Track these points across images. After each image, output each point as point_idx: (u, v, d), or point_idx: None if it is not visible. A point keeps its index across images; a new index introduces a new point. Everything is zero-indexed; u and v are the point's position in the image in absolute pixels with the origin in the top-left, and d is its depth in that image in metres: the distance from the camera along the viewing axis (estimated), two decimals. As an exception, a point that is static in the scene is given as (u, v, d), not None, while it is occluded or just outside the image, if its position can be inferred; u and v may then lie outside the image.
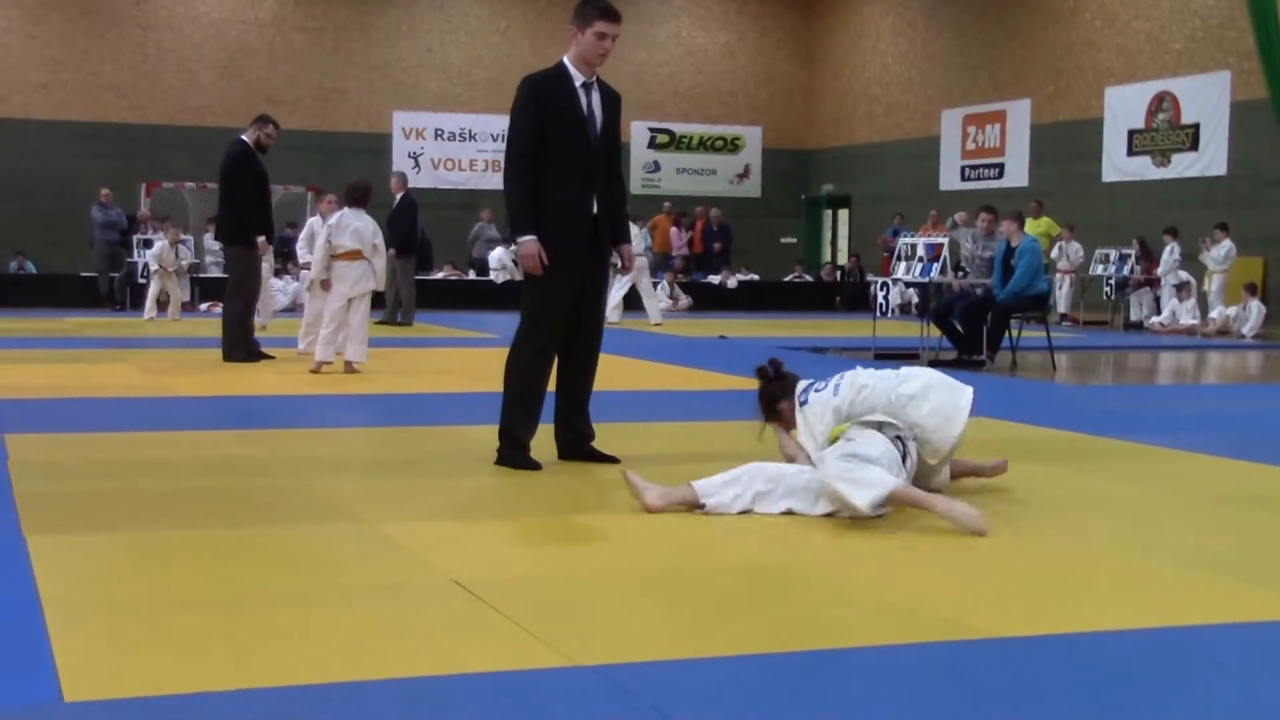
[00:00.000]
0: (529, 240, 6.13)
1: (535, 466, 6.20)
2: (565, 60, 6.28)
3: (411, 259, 17.97)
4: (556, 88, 6.19)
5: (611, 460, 6.33)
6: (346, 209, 10.98)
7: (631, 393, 9.67)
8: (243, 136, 11.79)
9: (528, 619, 3.65)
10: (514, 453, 6.25)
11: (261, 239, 11.68)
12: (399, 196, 17.79)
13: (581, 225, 6.24)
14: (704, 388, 10.47)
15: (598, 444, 6.47)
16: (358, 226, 10.84)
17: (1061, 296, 22.29)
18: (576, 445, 6.43)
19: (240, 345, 11.56)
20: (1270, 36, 19.03)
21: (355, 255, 10.85)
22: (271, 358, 11.72)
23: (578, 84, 6.21)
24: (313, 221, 12.17)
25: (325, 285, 10.92)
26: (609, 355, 12.95)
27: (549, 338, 6.31)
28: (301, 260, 13.06)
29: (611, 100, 6.36)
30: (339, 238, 10.85)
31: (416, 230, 18.33)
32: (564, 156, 6.17)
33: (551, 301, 6.25)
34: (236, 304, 11.68)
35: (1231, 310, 19.36)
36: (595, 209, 6.28)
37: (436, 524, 4.98)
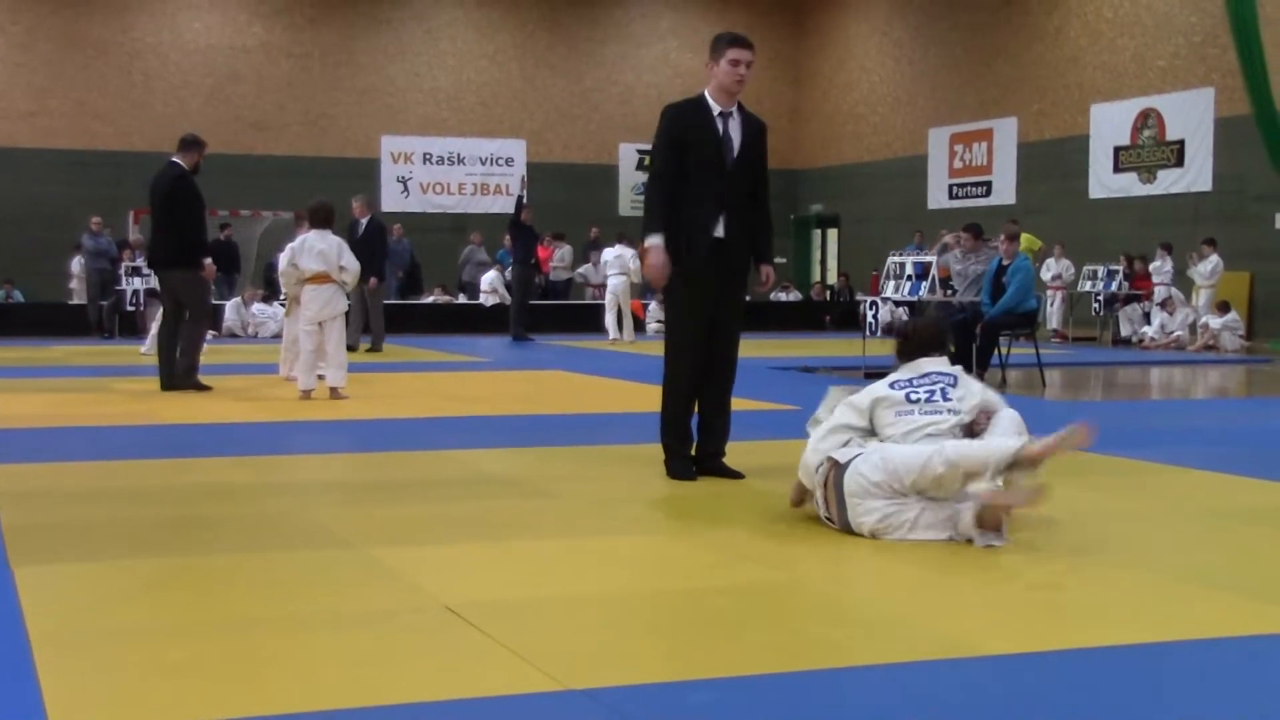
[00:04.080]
0: (656, 245, 6.42)
1: (691, 477, 6.48)
2: (705, 91, 6.57)
3: (383, 285, 17.62)
4: (693, 113, 6.53)
5: (736, 476, 6.51)
6: (311, 232, 10.87)
7: (621, 415, 9.66)
8: (176, 160, 11.37)
9: (519, 643, 3.64)
10: (672, 463, 6.59)
11: (209, 261, 11.35)
12: (364, 222, 16.89)
13: (701, 245, 6.48)
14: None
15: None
16: (322, 249, 10.71)
17: (1054, 313, 22.36)
18: (703, 461, 6.66)
19: (195, 371, 11.31)
20: (1252, 52, 19.14)
21: (323, 279, 10.74)
22: (208, 388, 11.31)
23: (715, 112, 6.49)
24: (292, 247, 12.11)
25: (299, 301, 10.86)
26: (599, 377, 13.01)
27: (688, 357, 6.58)
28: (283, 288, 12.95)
29: (753, 128, 6.60)
30: (304, 261, 10.75)
31: (387, 255, 18.03)
32: (696, 178, 6.47)
33: (683, 319, 6.57)
34: (201, 328, 11.46)
35: (1218, 321, 19.44)
36: (722, 232, 6.50)
37: (427, 549, 4.96)
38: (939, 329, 5.64)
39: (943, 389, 5.28)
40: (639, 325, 22.07)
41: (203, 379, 11.35)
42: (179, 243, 11.20)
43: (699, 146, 6.48)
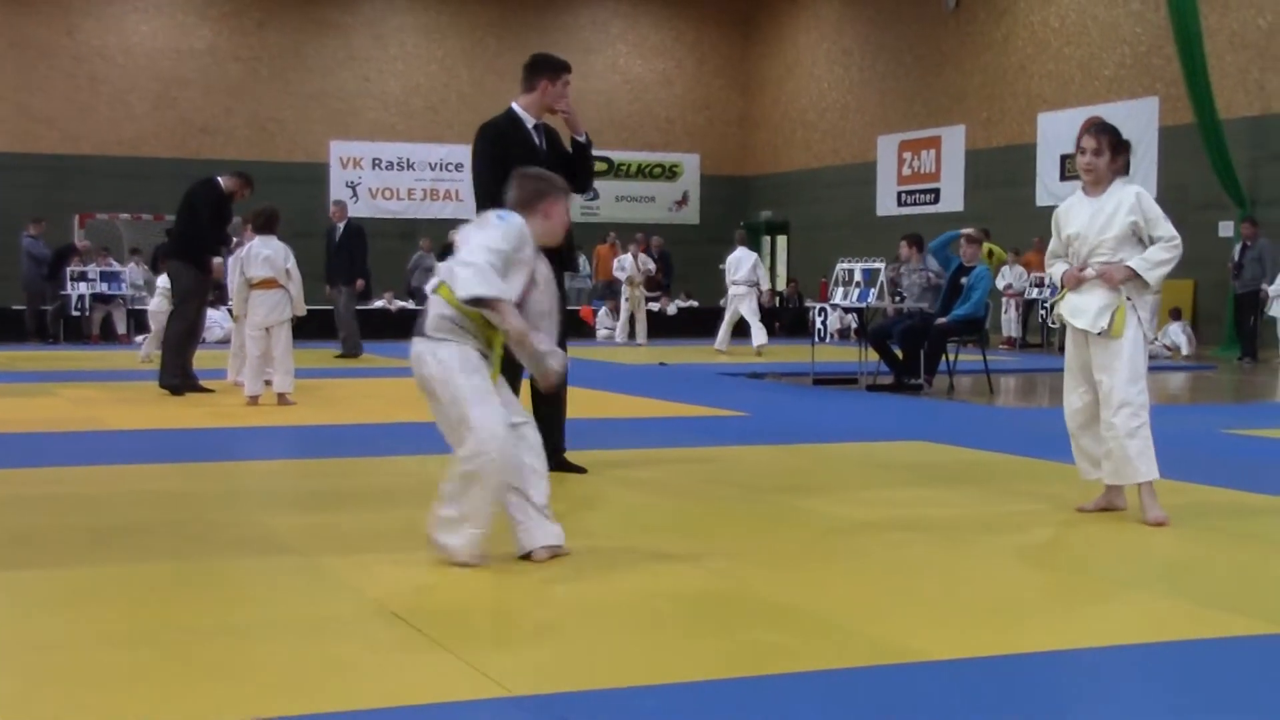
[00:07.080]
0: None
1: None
2: (515, 106, 7.04)
3: (355, 288, 17.59)
4: (510, 129, 6.98)
5: (579, 470, 6.88)
6: (256, 238, 10.98)
7: (572, 421, 9.65)
8: (221, 180, 11.85)
9: (465, 650, 3.63)
10: None
11: (217, 261, 11.78)
12: (341, 226, 17.25)
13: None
14: (643, 415, 10.44)
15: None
16: (268, 254, 10.78)
17: (1010, 320, 22.49)
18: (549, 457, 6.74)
19: (169, 372, 11.48)
20: (1194, 59, 19.37)
21: (270, 284, 10.80)
22: (210, 391, 11.59)
23: (530, 125, 6.98)
24: (238, 257, 12.19)
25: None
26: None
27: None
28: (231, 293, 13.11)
29: (553, 134, 7.16)
30: (251, 268, 10.84)
31: (366, 258, 17.95)
32: None
33: None
34: (177, 322, 11.66)
35: (1176, 327, 19.73)
36: None
37: (374, 555, 4.94)
38: None
39: None
40: (590, 331, 22.28)
41: (147, 384, 11.41)
42: (193, 240, 11.68)
43: (520, 159, 6.72)
